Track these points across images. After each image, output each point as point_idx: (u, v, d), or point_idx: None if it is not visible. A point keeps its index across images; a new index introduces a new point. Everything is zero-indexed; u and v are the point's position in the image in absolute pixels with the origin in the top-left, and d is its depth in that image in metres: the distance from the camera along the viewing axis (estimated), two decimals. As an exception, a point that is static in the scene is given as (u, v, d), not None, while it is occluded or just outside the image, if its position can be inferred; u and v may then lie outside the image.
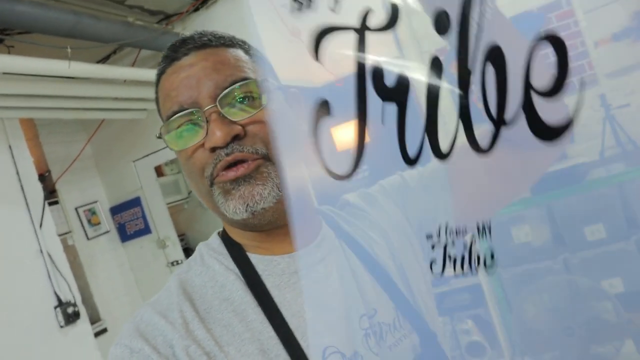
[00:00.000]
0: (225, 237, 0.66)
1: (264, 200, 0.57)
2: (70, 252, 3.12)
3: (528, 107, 0.43)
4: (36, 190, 2.58)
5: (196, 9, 2.91)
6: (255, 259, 0.63)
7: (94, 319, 3.13)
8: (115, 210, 3.52)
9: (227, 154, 0.56)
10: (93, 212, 3.43)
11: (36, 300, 2.44)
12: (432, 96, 0.44)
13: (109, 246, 3.51)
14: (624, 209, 2.67)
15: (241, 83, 0.57)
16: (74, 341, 2.53)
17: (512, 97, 0.43)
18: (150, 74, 2.72)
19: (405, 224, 0.70)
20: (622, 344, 2.40)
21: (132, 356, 0.54)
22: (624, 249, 2.62)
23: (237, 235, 0.65)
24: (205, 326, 0.56)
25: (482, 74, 0.45)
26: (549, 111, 0.43)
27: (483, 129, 0.45)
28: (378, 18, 0.48)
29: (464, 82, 0.45)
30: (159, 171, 3.74)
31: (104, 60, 2.99)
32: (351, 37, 0.49)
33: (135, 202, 3.45)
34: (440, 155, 0.44)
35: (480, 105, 0.47)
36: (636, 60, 2.94)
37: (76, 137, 3.47)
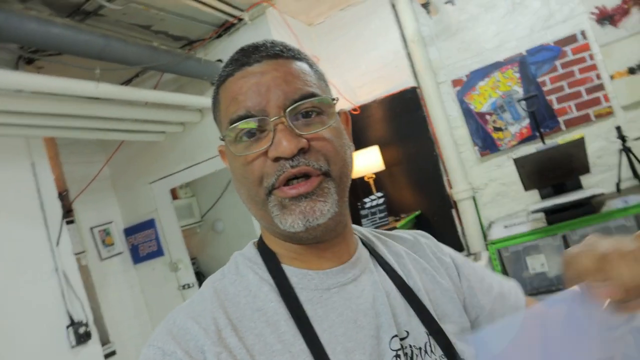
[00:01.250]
0: (261, 247, 0.67)
1: (323, 216, 0.58)
2: (84, 272, 3.11)
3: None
4: (55, 209, 2.60)
5: (219, 36, 2.99)
6: (289, 271, 0.63)
7: (103, 340, 3.10)
8: (129, 232, 3.53)
9: (292, 166, 0.57)
10: (107, 233, 3.45)
11: (49, 319, 2.42)
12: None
13: (122, 267, 3.50)
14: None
15: (311, 98, 0.59)
16: (84, 362, 2.51)
17: None
18: (172, 98, 2.79)
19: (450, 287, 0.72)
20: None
21: (165, 358, 0.54)
22: None
23: (274, 244, 0.65)
24: (237, 334, 0.56)
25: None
26: None
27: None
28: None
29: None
30: (173, 194, 3.76)
31: (126, 83, 3.06)
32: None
33: (150, 224, 3.46)
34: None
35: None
36: (652, 94, 2.96)
37: (95, 157, 3.52)
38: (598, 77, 3.04)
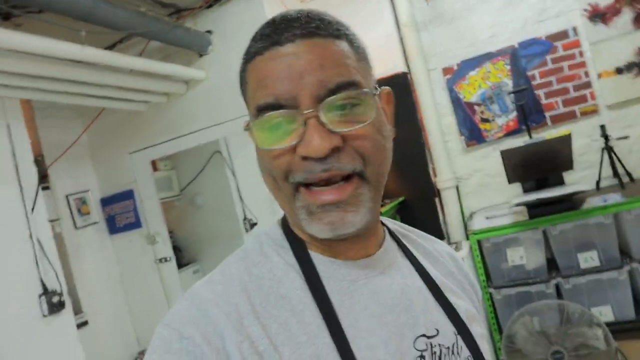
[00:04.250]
0: (287, 230, 0.62)
1: (354, 227, 0.53)
2: (58, 240, 3.03)
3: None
4: (31, 174, 2.50)
5: (209, 6, 2.89)
6: (316, 258, 0.59)
7: (76, 310, 3.04)
8: (106, 202, 3.45)
9: (323, 170, 0.51)
10: (84, 201, 3.35)
11: (21, 286, 2.35)
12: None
13: (97, 237, 3.42)
14: (618, 239, 2.71)
15: (350, 89, 0.51)
16: (56, 331, 2.45)
17: None
18: (158, 67, 2.69)
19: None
20: (611, 371, 2.41)
21: (182, 342, 0.50)
22: (616, 278, 2.65)
23: (298, 230, 0.61)
24: (260, 322, 0.52)
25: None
26: None
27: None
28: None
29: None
30: (152, 166, 3.67)
31: (109, 48, 2.95)
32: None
33: (128, 195, 3.38)
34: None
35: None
36: (636, 95, 3.01)
37: (71, 123, 3.40)
38: (586, 74, 3.07)
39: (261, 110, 0.52)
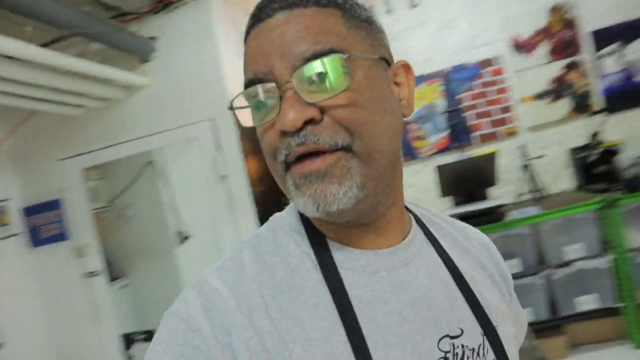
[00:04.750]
0: (304, 215, 0.57)
1: (337, 202, 0.48)
2: (-28, 252, 2.77)
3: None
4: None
5: (156, 12, 2.84)
6: (334, 247, 0.55)
7: (-9, 330, 2.78)
8: (29, 211, 3.20)
9: (298, 144, 0.48)
10: (3, 211, 3.09)
11: None
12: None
13: (17, 250, 3.16)
14: (536, 248, 2.98)
15: (324, 57, 0.47)
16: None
17: None
18: (97, 70, 2.59)
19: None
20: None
21: (187, 334, 0.48)
22: (534, 283, 2.91)
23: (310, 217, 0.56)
24: (270, 315, 0.49)
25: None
26: None
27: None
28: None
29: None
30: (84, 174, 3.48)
31: (45, 45, 2.78)
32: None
33: (55, 205, 3.17)
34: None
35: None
36: (551, 119, 3.35)
37: (-8, 126, 3.15)
38: (509, 99, 3.38)
39: (246, 88, 0.51)
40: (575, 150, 3.18)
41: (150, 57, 2.90)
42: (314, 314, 0.50)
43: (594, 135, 3.04)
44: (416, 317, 0.52)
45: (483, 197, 3.13)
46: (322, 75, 0.47)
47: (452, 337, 0.53)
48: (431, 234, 0.63)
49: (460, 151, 3.24)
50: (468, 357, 0.53)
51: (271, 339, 0.47)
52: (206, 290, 0.51)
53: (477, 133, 3.43)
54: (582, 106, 3.34)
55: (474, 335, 0.55)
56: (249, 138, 2.99)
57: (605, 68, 3.32)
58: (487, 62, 3.38)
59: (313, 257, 0.54)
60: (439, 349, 0.52)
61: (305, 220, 0.57)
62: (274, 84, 0.48)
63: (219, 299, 0.50)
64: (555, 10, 3.30)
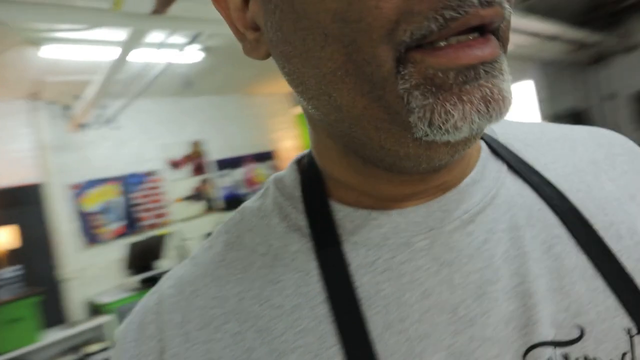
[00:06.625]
0: (309, 169, 0.37)
1: (507, 107, 0.26)
2: None
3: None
4: None
5: None
6: (341, 212, 0.34)
7: None
8: None
9: (484, 3, 0.24)
10: None
11: None
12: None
13: None
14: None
15: None
16: None
17: None
18: None
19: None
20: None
21: (137, 347, 0.34)
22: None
23: (330, 160, 0.35)
24: (228, 333, 0.32)
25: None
26: None
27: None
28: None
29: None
30: None
31: None
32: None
33: None
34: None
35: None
36: (193, 214, 4.98)
37: None
38: (166, 199, 4.81)
39: None
40: (208, 235, 4.84)
41: None
42: (290, 324, 0.31)
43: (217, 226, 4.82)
44: (496, 314, 0.30)
45: (153, 267, 4.30)
46: None
47: (558, 344, 0.29)
48: (526, 165, 0.36)
49: (133, 236, 4.36)
50: None
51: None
52: (154, 299, 0.36)
53: (145, 223, 4.64)
54: (211, 206, 5.13)
55: (611, 336, 0.30)
56: None
57: (223, 183, 5.27)
58: (151, 173, 4.75)
59: (306, 230, 0.34)
60: None
61: (305, 178, 0.36)
62: None
63: (165, 312, 0.34)
64: (195, 143, 5.08)
